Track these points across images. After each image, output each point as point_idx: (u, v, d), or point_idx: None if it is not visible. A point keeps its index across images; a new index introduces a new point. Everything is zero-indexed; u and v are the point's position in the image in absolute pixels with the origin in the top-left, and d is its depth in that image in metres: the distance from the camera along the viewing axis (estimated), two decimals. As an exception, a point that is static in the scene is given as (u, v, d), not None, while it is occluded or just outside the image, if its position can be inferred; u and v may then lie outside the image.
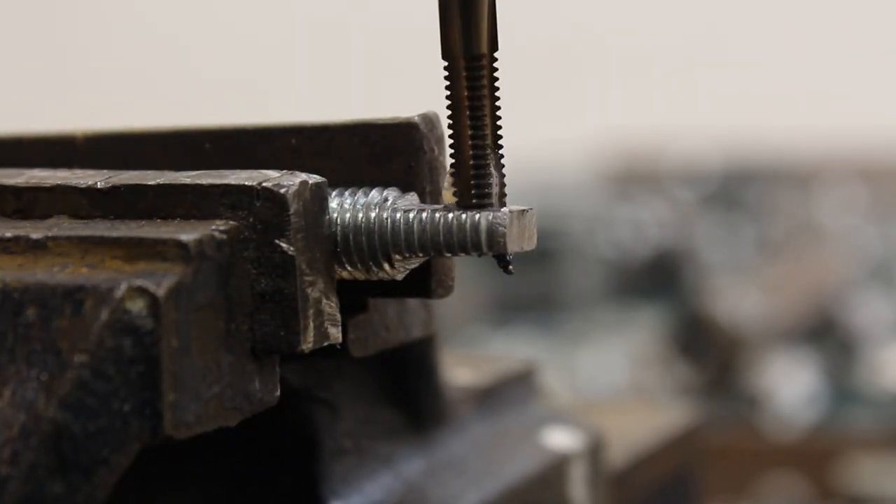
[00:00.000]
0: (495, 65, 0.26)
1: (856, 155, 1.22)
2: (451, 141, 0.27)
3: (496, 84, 0.27)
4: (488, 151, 0.27)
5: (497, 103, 0.27)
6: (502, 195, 0.27)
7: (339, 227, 0.27)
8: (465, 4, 0.26)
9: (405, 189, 0.28)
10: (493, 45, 0.26)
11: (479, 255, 0.27)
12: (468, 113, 0.26)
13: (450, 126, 0.27)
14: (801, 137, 1.23)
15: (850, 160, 1.21)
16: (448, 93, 0.27)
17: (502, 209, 0.27)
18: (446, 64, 0.26)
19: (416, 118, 0.28)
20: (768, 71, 1.40)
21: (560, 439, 0.37)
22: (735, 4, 1.45)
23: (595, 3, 1.46)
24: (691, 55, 1.40)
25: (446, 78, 0.26)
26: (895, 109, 1.27)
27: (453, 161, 0.27)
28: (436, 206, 0.27)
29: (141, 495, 0.31)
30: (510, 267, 0.27)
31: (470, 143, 0.27)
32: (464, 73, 0.26)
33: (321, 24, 1.46)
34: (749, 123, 1.25)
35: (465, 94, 0.26)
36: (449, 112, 0.27)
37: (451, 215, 0.27)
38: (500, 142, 0.27)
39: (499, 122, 0.27)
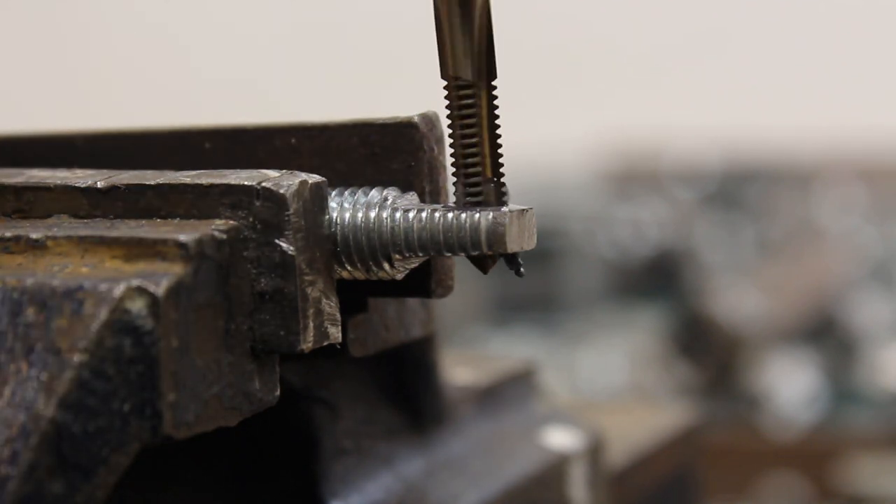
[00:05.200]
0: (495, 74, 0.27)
1: (856, 155, 1.22)
2: (451, 141, 0.27)
3: (495, 94, 0.27)
4: (488, 153, 0.27)
5: (496, 101, 0.27)
6: (502, 195, 0.27)
7: (338, 227, 0.27)
8: (463, 30, 0.26)
9: (405, 189, 0.28)
10: (492, 64, 0.27)
11: (480, 256, 0.27)
12: (469, 117, 0.27)
13: (449, 126, 0.27)
14: (801, 137, 1.23)
15: (850, 160, 1.20)
16: (448, 101, 0.27)
17: (502, 209, 0.27)
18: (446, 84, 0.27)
19: (416, 118, 0.28)
20: (768, 71, 1.40)
21: (560, 439, 0.37)
22: (735, 4, 1.45)
23: (595, 3, 1.46)
24: (691, 55, 1.40)
25: (446, 90, 0.27)
26: (895, 109, 1.27)
27: (453, 161, 0.27)
28: (436, 206, 0.27)
29: (141, 495, 0.31)
30: (521, 269, 0.27)
31: (470, 145, 0.27)
32: (464, 93, 0.26)
33: (321, 23, 1.46)
34: (749, 123, 1.25)
35: (466, 110, 0.27)
36: (448, 112, 0.27)
37: (450, 215, 0.27)
38: (499, 140, 0.27)
39: (498, 122, 0.27)
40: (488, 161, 0.27)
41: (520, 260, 0.27)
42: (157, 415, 0.24)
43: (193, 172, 0.27)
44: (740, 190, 1.17)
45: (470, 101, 0.27)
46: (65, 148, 0.31)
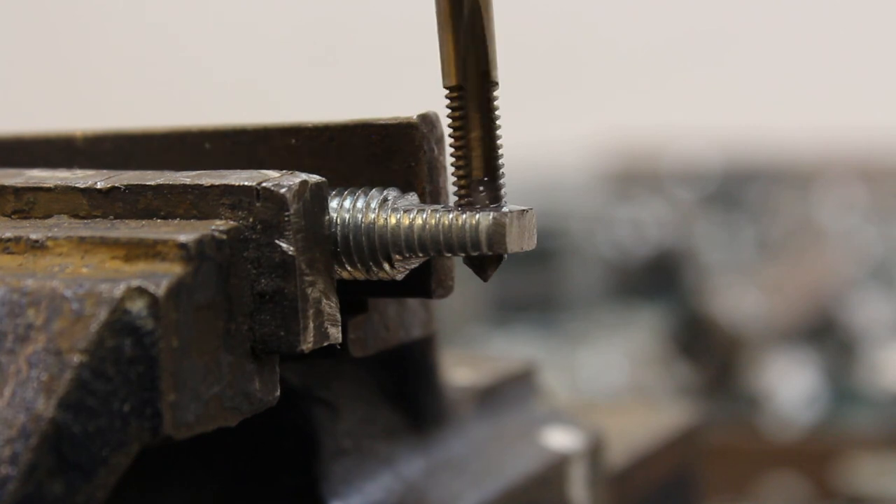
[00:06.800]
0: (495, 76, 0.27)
1: (856, 155, 1.22)
2: (451, 140, 0.27)
3: (495, 95, 0.27)
4: (489, 155, 0.27)
5: (496, 104, 0.27)
6: (502, 195, 0.27)
7: (339, 227, 0.27)
8: (465, 30, 0.26)
9: (405, 189, 0.28)
10: (493, 66, 0.27)
11: (479, 257, 0.27)
12: (470, 121, 0.27)
13: (449, 126, 0.27)
14: (801, 137, 1.23)
15: (850, 160, 1.20)
16: (448, 102, 0.27)
17: (502, 209, 0.27)
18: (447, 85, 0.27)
19: (416, 118, 0.28)
20: (768, 71, 1.40)
21: (560, 439, 0.37)
22: (735, 4, 1.45)
23: (596, 3, 1.46)
24: (691, 55, 1.40)
25: (446, 93, 0.27)
26: (895, 109, 1.26)
27: (453, 161, 0.27)
28: (436, 206, 0.27)
29: (141, 495, 0.31)
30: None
31: (472, 147, 0.27)
32: (464, 95, 0.27)
33: (321, 23, 1.46)
34: (749, 123, 1.25)
35: (466, 112, 0.27)
36: (449, 112, 0.27)
37: (451, 215, 0.27)
38: (499, 141, 0.27)
39: (497, 122, 0.27)
40: (495, 161, 0.27)
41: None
42: (157, 415, 0.24)
43: (193, 172, 0.27)
44: (740, 190, 1.17)
45: (474, 102, 0.27)
46: (65, 148, 0.31)
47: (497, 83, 0.27)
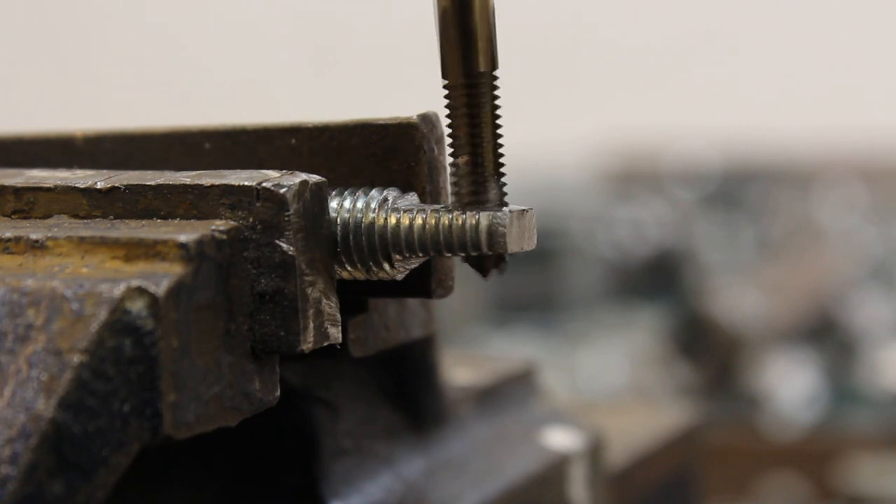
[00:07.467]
0: (496, 73, 0.27)
1: (856, 155, 1.22)
2: (451, 140, 0.27)
3: (496, 93, 0.27)
4: (489, 155, 0.27)
5: (497, 102, 0.27)
6: (502, 195, 0.27)
7: (339, 227, 0.27)
8: (465, 26, 0.26)
9: (405, 189, 0.28)
10: (493, 62, 0.27)
11: (479, 256, 0.27)
12: (469, 120, 0.27)
13: (451, 125, 0.27)
14: (801, 137, 1.23)
15: (850, 160, 1.20)
16: (447, 100, 0.27)
17: (502, 209, 0.27)
18: (446, 82, 0.27)
19: (416, 118, 0.28)
20: (768, 71, 1.40)
21: (560, 439, 0.37)
22: (735, 4, 1.45)
23: (596, 3, 1.46)
24: (691, 55, 1.40)
25: (446, 93, 0.27)
26: (895, 109, 1.26)
27: (452, 161, 0.27)
28: (436, 206, 0.27)
29: (141, 495, 0.31)
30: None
31: (470, 147, 0.27)
32: (464, 91, 0.26)
33: (321, 23, 1.46)
34: (749, 123, 1.25)
35: (466, 108, 0.27)
36: (449, 111, 0.27)
37: (450, 215, 0.27)
38: (499, 140, 0.27)
39: (498, 122, 0.27)
40: (492, 158, 0.27)
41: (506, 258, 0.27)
42: (157, 415, 0.24)
43: (193, 172, 0.27)
44: (740, 190, 1.17)
45: (475, 98, 0.27)
46: (65, 148, 0.31)
47: (497, 79, 0.27)
